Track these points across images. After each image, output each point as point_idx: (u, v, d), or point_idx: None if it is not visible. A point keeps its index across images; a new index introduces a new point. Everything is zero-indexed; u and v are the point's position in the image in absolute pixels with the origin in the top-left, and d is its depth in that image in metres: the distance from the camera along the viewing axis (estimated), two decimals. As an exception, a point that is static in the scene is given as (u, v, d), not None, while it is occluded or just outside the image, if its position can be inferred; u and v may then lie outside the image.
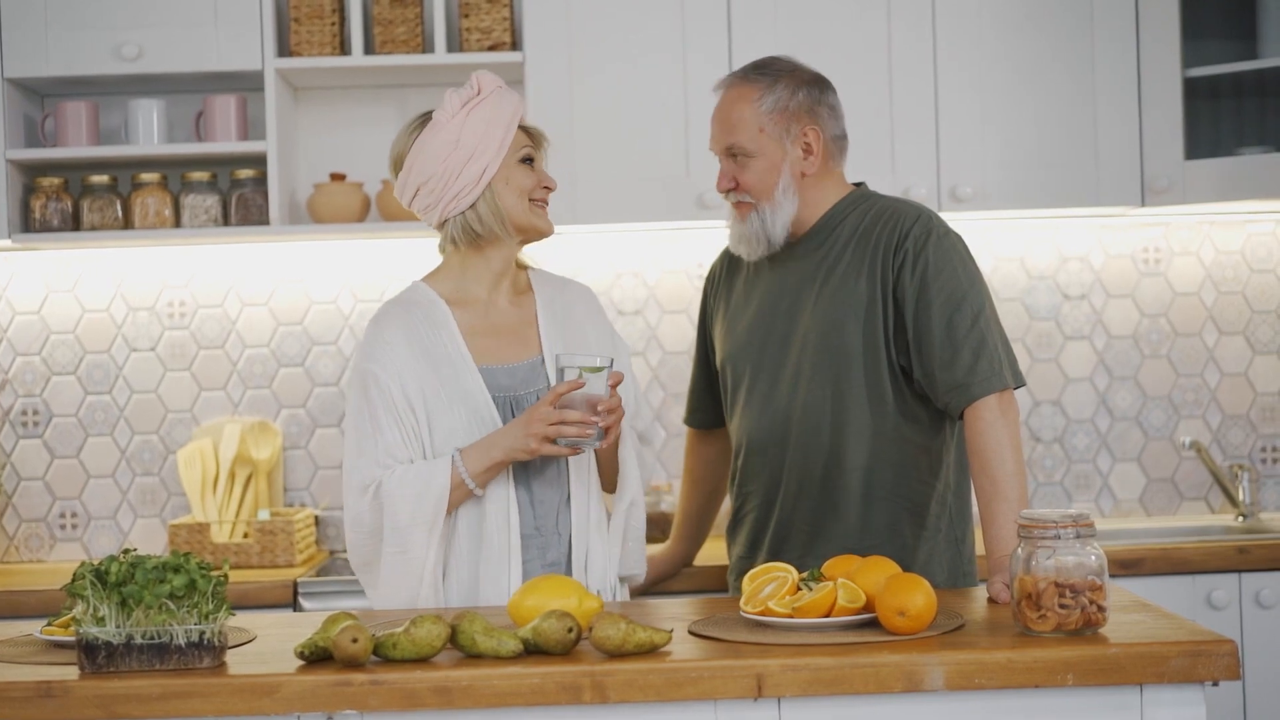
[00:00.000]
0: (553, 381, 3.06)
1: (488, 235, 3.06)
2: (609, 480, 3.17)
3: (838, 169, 3.32)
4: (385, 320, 3.07)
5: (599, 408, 2.90)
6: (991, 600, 2.81)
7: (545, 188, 3.10)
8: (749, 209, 3.26)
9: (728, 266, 3.49)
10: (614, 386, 2.93)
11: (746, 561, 3.35)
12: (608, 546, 3.11)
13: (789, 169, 3.24)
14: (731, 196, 3.28)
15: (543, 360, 3.10)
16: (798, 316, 3.26)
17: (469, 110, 3.02)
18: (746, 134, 3.24)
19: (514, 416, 3.02)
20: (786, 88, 3.26)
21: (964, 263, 3.15)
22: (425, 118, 3.08)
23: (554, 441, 2.91)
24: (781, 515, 3.29)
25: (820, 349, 3.20)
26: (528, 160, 3.08)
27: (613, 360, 2.96)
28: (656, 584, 3.74)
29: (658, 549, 3.79)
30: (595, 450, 3.03)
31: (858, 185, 3.36)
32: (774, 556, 3.30)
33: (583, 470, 3.08)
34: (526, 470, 3.04)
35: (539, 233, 3.11)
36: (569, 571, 3.06)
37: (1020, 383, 3.10)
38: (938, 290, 3.11)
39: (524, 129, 3.10)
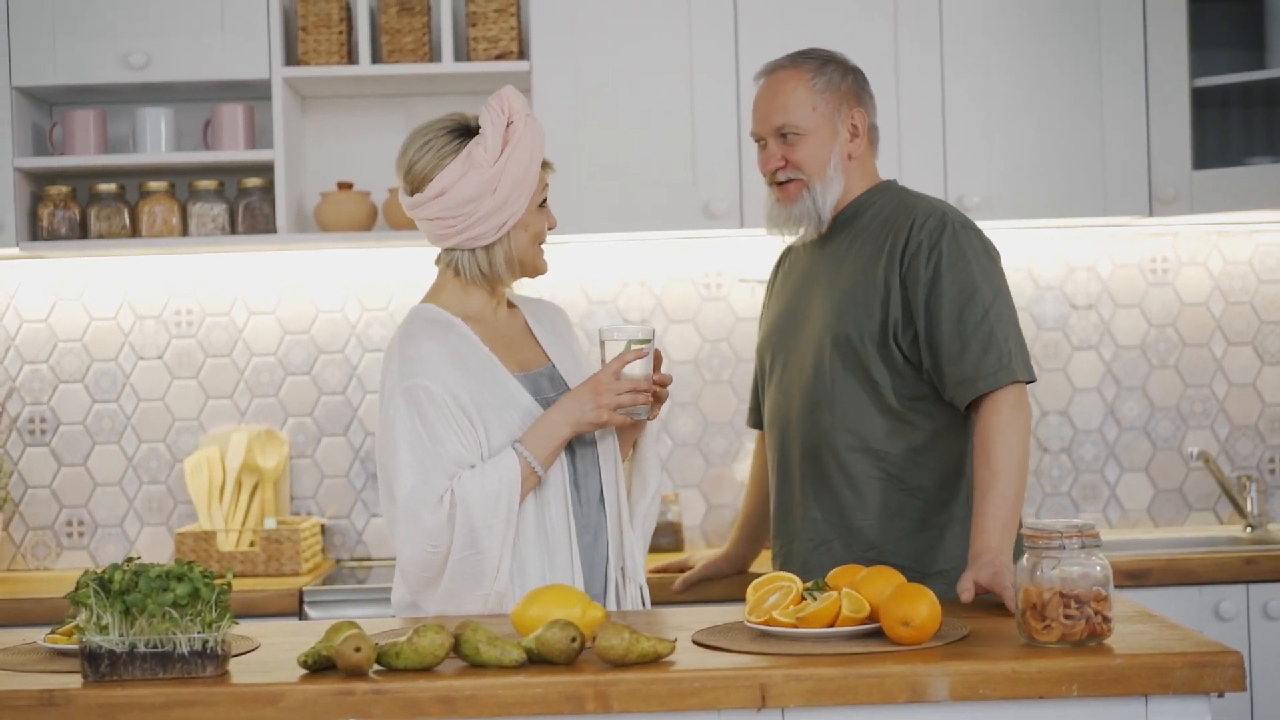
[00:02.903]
0: (571, 382, 3.12)
1: (493, 277, 3.08)
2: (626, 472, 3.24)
3: (872, 159, 3.36)
4: (418, 336, 3.02)
5: (651, 377, 3.04)
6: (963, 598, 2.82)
7: (551, 228, 3.13)
8: (799, 187, 3.27)
9: (779, 263, 3.52)
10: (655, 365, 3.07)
11: (772, 549, 3.40)
12: (640, 543, 3.17)
13: (838, 149, 3.27)
14: (781, 175, 3.28)
15: (554, 366, 3.14)
16: (815, 304, 3.28)
17: (508, 154, 2.99)
18: (800, 112, 3.26)
19: None
20: (837, 70, 3.30)
21: (978, 256, 3.15)
22: (457, 138, 3.03)
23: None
24: (782, 497, 3.31)
25: (828, 336, 3.22)
26: (543, 201, 3.10)
27: (654, 331, 3.07)
28: (708, 581, 3.76)
29: (715, 551, 3.82)
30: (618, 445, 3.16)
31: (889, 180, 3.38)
32: (775, 541, 3.35)
33: (612, 469, 3.12)
34: (574, 473, 3.06)
35: (537, 273, 3.15)
36: (607, 568, 3.08)
37: (1031, 378, 3.09)
38: (950, 283, 3.11)
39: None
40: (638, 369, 3.00)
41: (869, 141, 3.32)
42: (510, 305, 3.20)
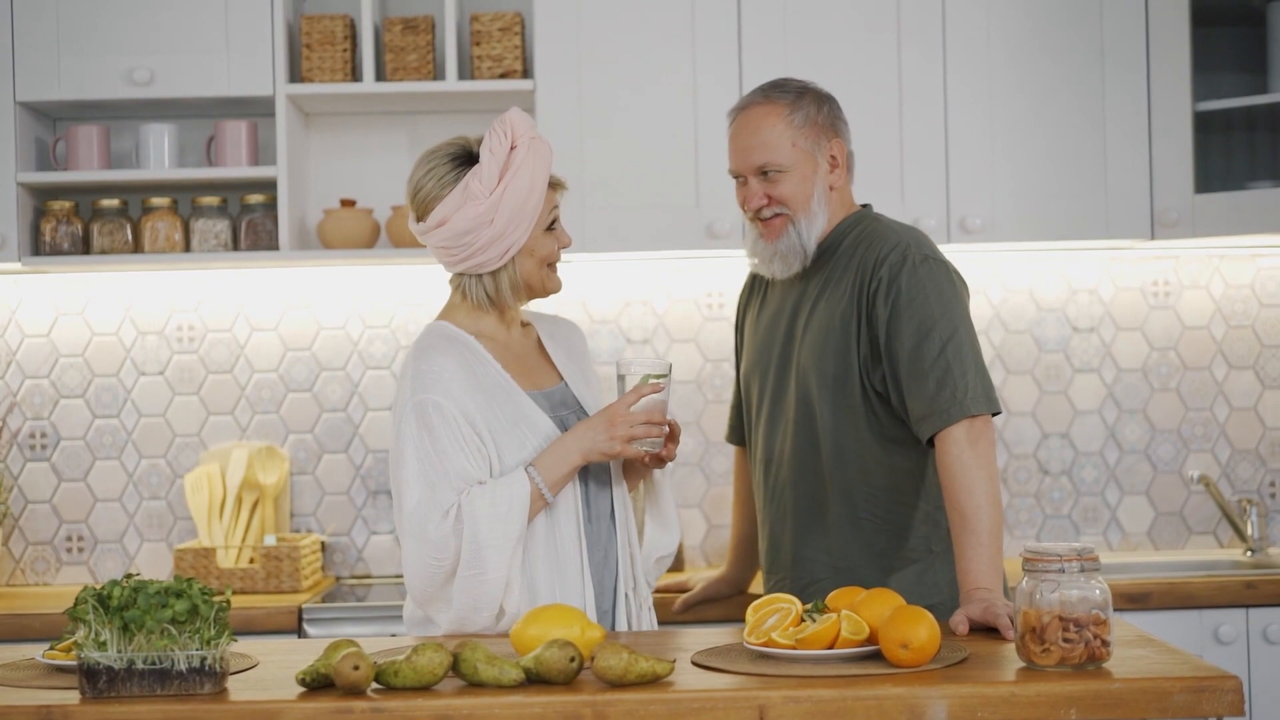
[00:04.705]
0: (584, 402, 3.14)
1: (500, 302, 3.08)
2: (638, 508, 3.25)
3: (849, 187, 3.35)
4: (433, 352, 3.03)
5: (666, 410, 3.04)
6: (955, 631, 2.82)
7: (563, 248, 3.12)
8: (784, 224, 3.25)
9: (752, 285, 3.51)
10: None
11: (764, 585, 3.39)
12: (646, 564, 3.18)
13: (820, 182, 3.26)
14: (766, 212, 3.26)
15: (567, 385, 3.15)
16: (795, 338, 3.28)
17: (506, 184, 2.98)
18: (781, 149, 3.24)
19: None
20: (812, 102, 3.28)
21: (938, 290, 3.13)
22: (459, 165, 3.02)
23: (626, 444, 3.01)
24: (775, 535, 3.31)
25: (809, 373, 3.22)
26: (552, 224, 3.09)
27: (671, 365, 3.06)
28: (708, 602, 3.77)
29: (715, 572, 3.84)
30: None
31: (864, 206, 3.37)
32: (768, 579, 3.35)
33: (623, 488, 3.13)
34: (585, 490, 3.07)
35: (549, 294, 3.14)
36: (616, 589, 3.08)
37: (993, 410, 3.08)
38: (908, 319, 3.11)
39: (550, 184, 3.09)
40: (653, 403, 3.00)
41: (846, 170, 3.31)
42: (525, 323, 3.21)
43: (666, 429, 3.03)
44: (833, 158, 3.28)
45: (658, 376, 3.01)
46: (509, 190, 2.98)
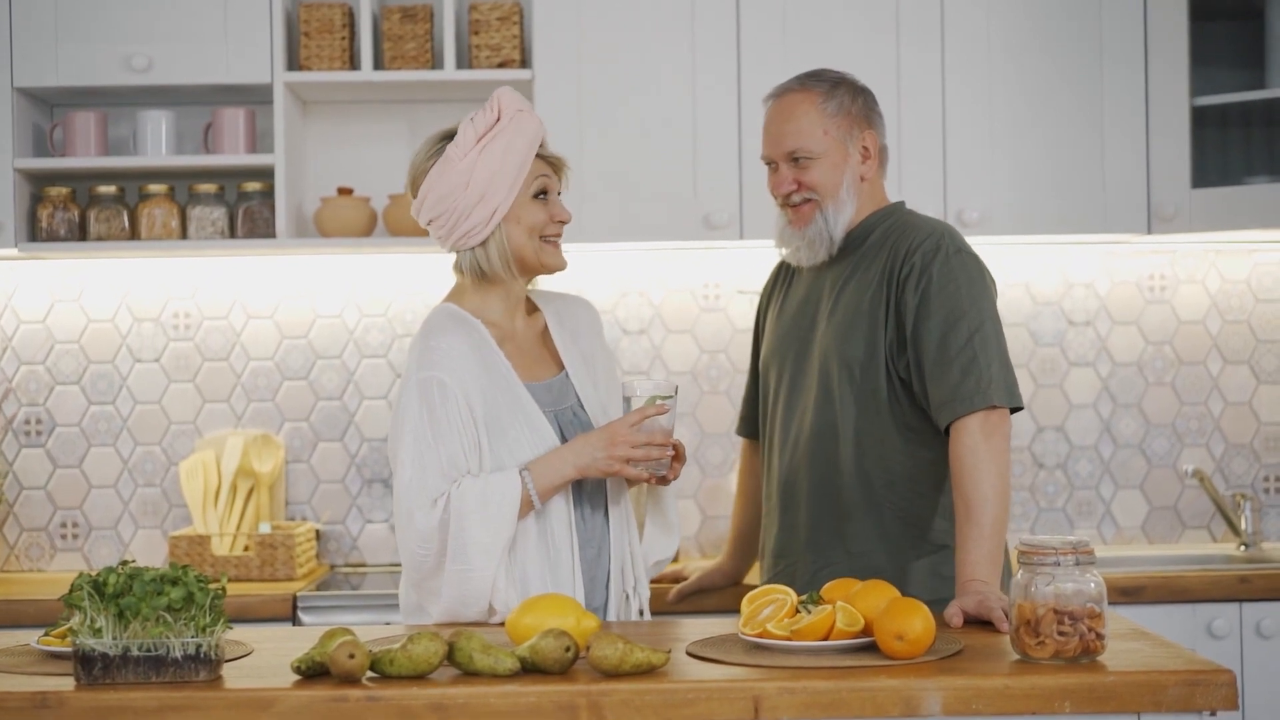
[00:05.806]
0: (583, 397, 3.12)
1: (493, 276, 3.06)
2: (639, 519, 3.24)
3: (881, 180, 3.36)
4: (443, 330, 3.01)
5: (671, 433, 3.01)
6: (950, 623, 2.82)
7: (559, 222, 3.08)
8: (813, 209, 3.27)
9: (777, 275, 3.51)
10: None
11: (768, 571, 3.39)
12: (643, 562, 3.17)
13: (850, 171, 3.27)
14: (795, 198, 3.28)
15: (567, 375, 3.13)
16: (819, 324, 3.28)
17: (483, 146, 2.98)
18: (812, 136, 3.25)
19: (561, 432, 3.04)
20: (847, 92, 3.29)
21: (970, 281, 3.15)
22: (444, 140, 3.05)
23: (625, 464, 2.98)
24: (788, 520, 3.30)
25: (830, 358, 3.22)
26: (542, 194, 3.06)
27: (677, 388, 3.03)
28: (703, 593, 3.77)
29: (710, 562, 3.84)
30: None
31: (897, 203, 3.38)
32: (776, 563, 3.34)
33: (619, 483, 3.11)
34: (580, 485, 3.05)
35: (548, 270, 3.10)
36: (608, 585, 3.08)
37: (1015, 404, 3.08)
38: (938, 306, 3.11)
39: (543, 157, 3.07)
40: (658, 425, 2.98)
41: (879, 163, 3.33)
42: (533, 309, 3.19)
43: (670, 450, 3.01)
44: (865, 148, 3.29)
45: (663, 398, 2.99)
46: (485, 153, 2.98)
